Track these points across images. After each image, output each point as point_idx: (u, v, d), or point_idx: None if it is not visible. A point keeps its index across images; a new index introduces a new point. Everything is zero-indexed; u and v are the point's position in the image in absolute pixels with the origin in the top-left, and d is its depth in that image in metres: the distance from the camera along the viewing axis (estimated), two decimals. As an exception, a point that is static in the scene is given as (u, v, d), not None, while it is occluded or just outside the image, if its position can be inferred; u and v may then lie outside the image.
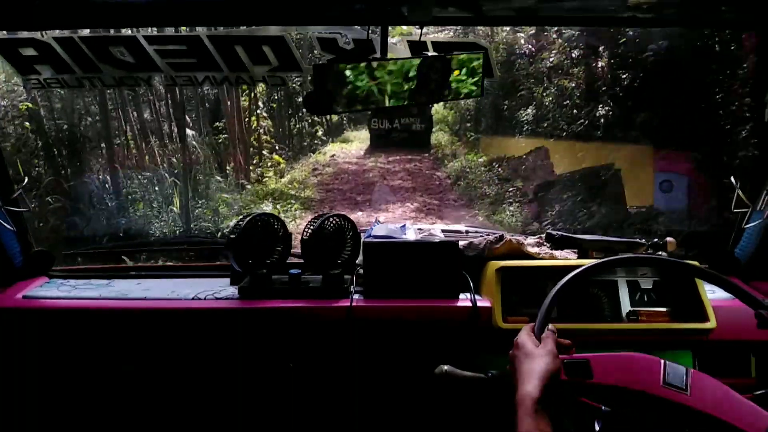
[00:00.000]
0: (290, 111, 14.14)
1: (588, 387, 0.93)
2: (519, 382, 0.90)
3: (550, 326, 1.01)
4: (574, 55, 7.43)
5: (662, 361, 0.95)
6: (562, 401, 0.94)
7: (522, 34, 8.80)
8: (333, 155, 13.02)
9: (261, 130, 12.21)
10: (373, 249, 1.54)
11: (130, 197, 7.05)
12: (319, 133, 15.10)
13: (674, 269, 1.38)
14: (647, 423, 0.92)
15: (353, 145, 14.80)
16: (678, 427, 0.89)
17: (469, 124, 12.50)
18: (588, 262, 1.12)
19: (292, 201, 8.39)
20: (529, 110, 8.56)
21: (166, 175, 7.61)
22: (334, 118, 16.87)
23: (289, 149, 13.37)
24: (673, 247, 1.59)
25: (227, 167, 9.49)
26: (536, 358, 0.92)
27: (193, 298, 1.56)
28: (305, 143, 14.36)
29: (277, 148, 12.44)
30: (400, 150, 13.03)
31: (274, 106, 13.82)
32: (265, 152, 11.96)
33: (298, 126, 14.67)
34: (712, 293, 1.46)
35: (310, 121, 14.75)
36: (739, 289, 1.07)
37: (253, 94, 11.83)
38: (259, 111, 12.24)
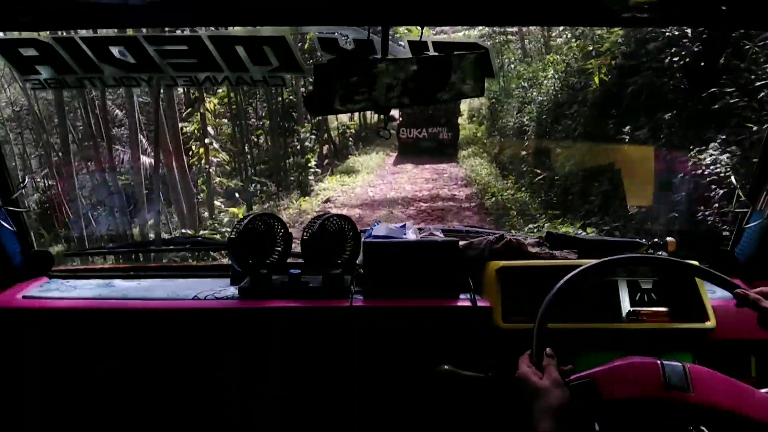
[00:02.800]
0: (281, 123, 11.13)
1: (598, 406, 0.93)
2: (534, 421, 0.89)
3: (547, 350, 0.99)
4: None
5: (659, 362, 0.95)
6: (578, 427, 0.93)
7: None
8: (327, 200, 9.41)
9: (211, 169, 8.42)
10: (373, 249, 1.54)
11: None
12: (312, 163, 11.41)
13: (674, 269, 1.38)
14: (651, 428, 0.92)
15: (358, 179, 11.18)
16: (684, 427, 0.89)
17: (525, 152, 7.77)
18: (587, 263, 1.12)
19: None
20: (713, 153, 4.45)
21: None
22: (335, 128, 14.99)
23: (275, 183, 10.34)
24: (673, 247, 1.59)
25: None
26: (544, 393, 0.91)
27: (193, 298, 1.55)
28: (292, 177, 11.04)
29: (235, 195, 8.87)
30: (429, 160, 11.52)
31: (266, 121, 11.50)
32: (218, 202, 8.41)
33: (284, 150, 11.53)
34: (712, 293, 1.46)
35: (299, 146, 11.72)
36: (736, 286, 1.06)
37: (199, 114, 8.16)
38: (208, 140, 8.44)
